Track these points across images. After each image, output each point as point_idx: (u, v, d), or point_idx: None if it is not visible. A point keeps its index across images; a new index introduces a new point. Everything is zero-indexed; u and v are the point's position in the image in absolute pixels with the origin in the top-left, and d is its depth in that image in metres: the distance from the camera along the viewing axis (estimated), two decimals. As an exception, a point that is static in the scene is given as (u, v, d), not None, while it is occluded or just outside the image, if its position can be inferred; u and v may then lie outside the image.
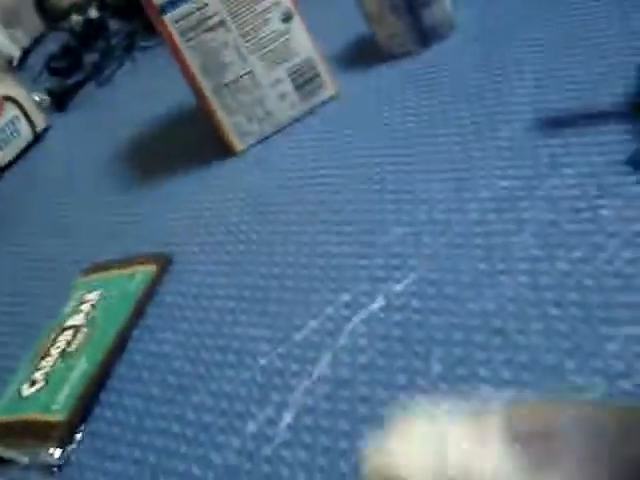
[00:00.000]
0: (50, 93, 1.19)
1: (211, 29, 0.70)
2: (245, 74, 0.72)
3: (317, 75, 0.75)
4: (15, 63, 1.52)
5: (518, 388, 0.40)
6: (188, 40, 0.70)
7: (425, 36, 0.76)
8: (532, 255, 0.47)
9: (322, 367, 0.46)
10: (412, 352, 0.44)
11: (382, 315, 0.47)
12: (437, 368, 0.43)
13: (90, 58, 1.28)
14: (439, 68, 0.72)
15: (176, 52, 0.71)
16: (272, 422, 0.45)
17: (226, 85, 0.72)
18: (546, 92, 0.61)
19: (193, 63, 0.71)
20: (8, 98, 1.08)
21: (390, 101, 0.71)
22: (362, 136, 0.68)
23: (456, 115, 0.64)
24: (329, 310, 0.50)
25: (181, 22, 0.69)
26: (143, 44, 1.22)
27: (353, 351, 0.46)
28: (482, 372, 0.42)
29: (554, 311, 0.43)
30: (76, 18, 1.40)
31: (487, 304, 0.45)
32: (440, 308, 0.46)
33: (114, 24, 1.34)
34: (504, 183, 0.54)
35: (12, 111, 1.08)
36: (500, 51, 0.70)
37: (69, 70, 1.28)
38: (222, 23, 0.70)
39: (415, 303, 0.47)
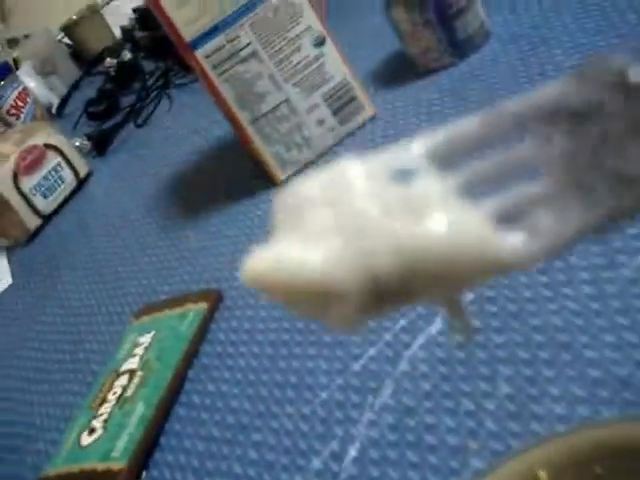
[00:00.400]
0: (90, 138, 1.20)
1: (244, 60, 0.70)
2: (281, 103, 0.72)
3: (354, 97, 0.74)
4: (54, 111, 1.55)
5: (593, 404, 0.38)
6: (221, 74, 0.69)
7: (460, 48, 0.75)
8: (594, 264, 0.45)
9: (384, 397, 0.45)
10: (476, 374, 0.43)
11: (441, 338, 0.46)
12: (505, 389, 0.41)
13: (127, 100, 1.29)
14: (477, 78, 0.71)
15: (210, 87, 0.70)
16: (337, 457, 0.44)
17: (263, 115, 0.72)
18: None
19: (228, 96, 0.70)
20: (49, 146, 1.10)
21: (430, 117, 0.69)
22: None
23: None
24: (386, 336, 0.48)
25: (213, 56, 0.69)
26: (178, 82, 1.22)
27: (415, 378, 0.45)
28: (553, 390, 0.40)
29: (622, 321, 0.41)
30: (110, 61, 1.41)
31: (551, 318, 0.43)
32: (502, 326, 0.44)
33: (148, 65, 1.35)
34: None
35: (54, 159, 1.09)
36: (538, 55, 0.68)
37: (107, 114, 1.30)
38: (254, 54, 0.70)
39: (475, 323, 0.46)
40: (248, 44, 0.69)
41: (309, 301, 0.23)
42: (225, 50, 0.69)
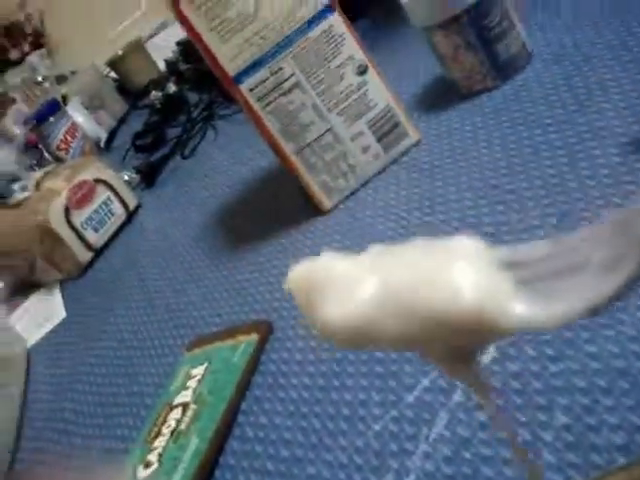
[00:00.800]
0: (138, 171, 1.22)
1: (287, 92, 0.70)
2: (325, 132, 0.72)
3: (397, 124, 0.74)
4: (102, 145, 1.57)
5: (653, 434, 0.37)
6: (266, 106, 0.70)
7: (503, 69, 0.74)
8: (649, 288, 0.44)
9: (439, 428, 0.44)
10: (533, 404, 0.42)
11: (496, 367, 0.45)
12: (562, 419, 0.40)
13: (173, 132, 1.31)
14: (521, 99, 0.70)
15: (255, 119, 0.71)
16: (393, 490, 0.43)
17: (308, 145, 0.72)
18: (637, 111, 0.58)
19: (273, 128, 0.71)
20: (99, 181, 1.12)
21: (475, 140, 0.69)
22: (451, 179, 0.66)
23: (546, 146, 0.62)
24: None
25: (257, 89, 0.69)
26: (222, 113, 1.24)
27: (469, 408, 0.44)
28: (611, 419, 0.39)
29: (682, 346, 0.40)
30: (155, 94, 1.44)
31: (607, 345, 0.42)
32: (557, 354, 0.44)
33: (192, 96, 1.37)
34: (605, 213, 0.51)
35: (104, 193, 1.11)
36: (582, 74, 0.67)
37: (154, 146, 1.32)
38: (297, 85, 0.70)
39: (530, 351, 0.45)
40: (291, 75, 0.70)
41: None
42: (269, 82, 0.70)
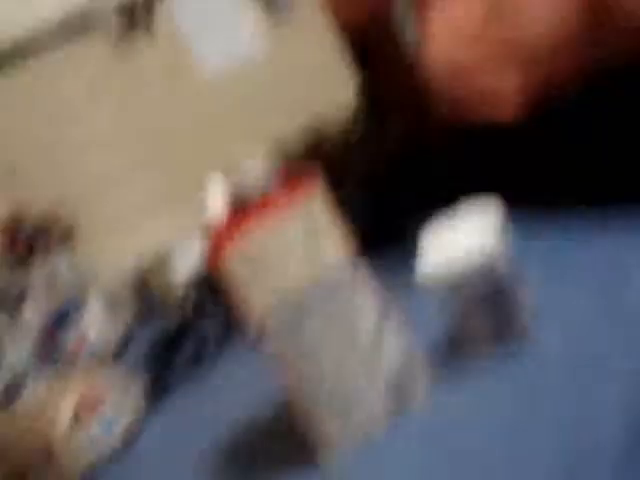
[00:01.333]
0: (147, 382, 1.22)
1: (306, 336, 0.73)
2: (338, 383, 0.73)
3: (412, 381, 0.75)
4: (114, 353, 1.58)
5: None
6: (287, 346, 0.73)
7: (509, 332, 0.76)
8: None
9: None
10: None
11: None
12: None
13: (186, 346, 1.31)
14: (529, 362, 0.71)
15: (277, 357, 0.73)
16: None
17: (321, 397, 0.73)
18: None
19: (293, 373, 0.73)
20: (103, 396, 1.11)
21: (483, 412, 0.69)
22: (450, 448, 0.66)
23: (554, 414, 0.62)
24: None
25: (281, 329, 0.72)
26: (236, 334, 1.25)
27: None
28: None
29: None
30: (171, 308, 1.45)
31: None
32: None
33: (210, 307, 1.38)
34: None
35: (109, 410, 1.10)
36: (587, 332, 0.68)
37: (167, 358, 1.32)
38: (316, 331, 0.73)
39: None
40: (311, 322, 0.73)
41: None
42: (293, 323, 0.73)
